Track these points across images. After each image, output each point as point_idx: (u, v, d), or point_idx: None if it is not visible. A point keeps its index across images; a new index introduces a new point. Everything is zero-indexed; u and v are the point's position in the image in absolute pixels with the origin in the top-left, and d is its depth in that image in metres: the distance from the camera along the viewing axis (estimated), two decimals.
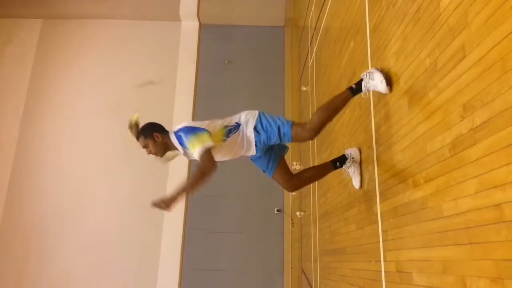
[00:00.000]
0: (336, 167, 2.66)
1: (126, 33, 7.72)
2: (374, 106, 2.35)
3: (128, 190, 6.81)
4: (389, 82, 2.06)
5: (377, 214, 2.18)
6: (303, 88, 6.13)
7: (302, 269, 5.68)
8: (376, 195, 2.21)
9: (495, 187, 1.15)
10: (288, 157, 2.72)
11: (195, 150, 2.20)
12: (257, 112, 2.42)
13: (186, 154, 2.41)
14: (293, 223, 6.71)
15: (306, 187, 5.10)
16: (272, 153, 2.54)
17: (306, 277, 5.16)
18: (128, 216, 6.72)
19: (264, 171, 2.58)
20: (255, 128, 2.34)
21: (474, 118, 1.27)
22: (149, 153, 2.41)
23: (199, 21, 7.80)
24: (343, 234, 3.02)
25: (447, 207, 1.44)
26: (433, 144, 1.56)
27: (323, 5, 4.45)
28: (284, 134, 2.30)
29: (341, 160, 2.66)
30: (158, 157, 2.40)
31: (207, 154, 2.19)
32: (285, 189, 2.73)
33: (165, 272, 6.55)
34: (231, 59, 7.56)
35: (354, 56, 2.90)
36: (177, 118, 7.07)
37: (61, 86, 7.45)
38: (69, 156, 7.11)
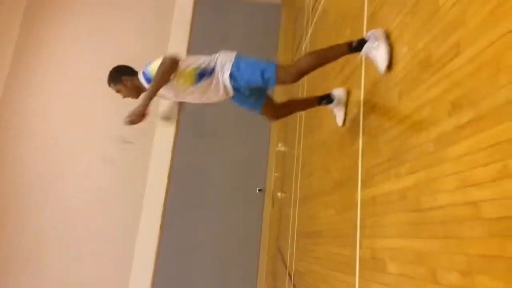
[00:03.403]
0: (320, 103, 2.77)
1: None
2: (364, 95, 2.35)
3: (110, 154, 6.72)
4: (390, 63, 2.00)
5: (357, 201, 2.22)
6: None
7: (279, 248, 5.78)
8: (357, 183, 2.24)
9: (474, 185, 1.18)
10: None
11: (158, 61, 2.25)
12: (234, 55, 2.37)
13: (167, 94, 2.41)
14: (273, 204, 6.78)
15: (289, 170, 5.13)
16: (257, 92, 2.50)
17: (281, 256, 5.26)
18: (109, 185, 6.69)
19: (252, 110, 2.58)
20: (231, 76, 2.32)
21: (461, 116, 1.29)
22: (124, 97, 2.47)
23: None
24: (322, 218, 3.07)
25: (425, 200, 1.47)
26: (418, 138, 1.58)
27: None
28: (268, 79, 2.26)
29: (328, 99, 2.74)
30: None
31: (170, 60, 2.24)
32: (270, 120, 2.74)
33: (143, 240, 6.56)
34: (225, 36, 7.40)
35: None
36: None
37: (50, 48, 7.22)
38: (51, 119, 6.96)
